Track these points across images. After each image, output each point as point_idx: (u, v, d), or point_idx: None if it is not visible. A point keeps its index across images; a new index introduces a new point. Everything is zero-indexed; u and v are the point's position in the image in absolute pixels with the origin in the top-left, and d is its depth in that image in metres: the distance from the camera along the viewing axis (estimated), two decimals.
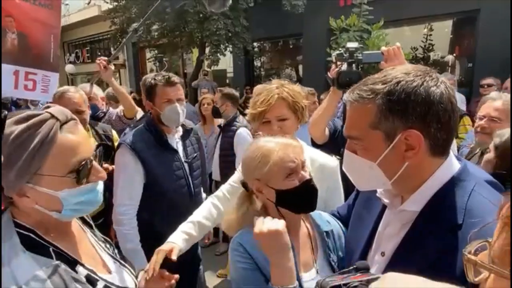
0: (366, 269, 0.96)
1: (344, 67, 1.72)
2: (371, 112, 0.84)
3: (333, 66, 1.84)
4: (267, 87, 1.58)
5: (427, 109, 0.80)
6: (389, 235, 0.95)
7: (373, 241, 1.00)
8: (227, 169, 3.19)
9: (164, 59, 12.82)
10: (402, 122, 0.81)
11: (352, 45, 1.73)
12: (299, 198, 1.14)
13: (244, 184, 1.25)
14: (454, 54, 9.41)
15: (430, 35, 9.54)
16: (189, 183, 2.14)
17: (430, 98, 0.80)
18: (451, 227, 0.79)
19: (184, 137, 2.20)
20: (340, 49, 1.75)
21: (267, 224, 1.01)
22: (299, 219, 1.23)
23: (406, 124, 0.81)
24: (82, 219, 1.09)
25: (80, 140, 0.88)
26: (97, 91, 3.28)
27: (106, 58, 2.59)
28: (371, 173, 0.87)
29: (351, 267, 1.04)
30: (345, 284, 0.82)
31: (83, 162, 0.87)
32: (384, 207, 1.00)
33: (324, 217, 1.29)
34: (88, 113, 2.30)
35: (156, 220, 2.02)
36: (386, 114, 0.82)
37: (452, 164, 0.88)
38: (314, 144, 2.11)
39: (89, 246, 1.04)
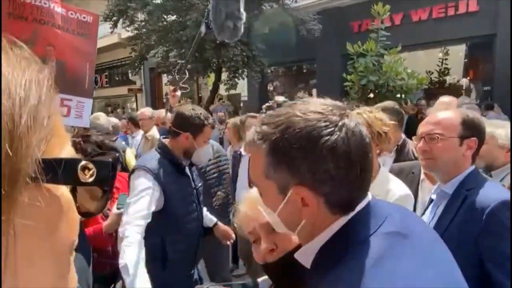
0: None
1: None
2: (262, 159, 0.72)
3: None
4: None
5: (315, 164, 0.67)
6: None
7: None
8: None
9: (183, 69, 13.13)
10: (292, 176, 0.69)
11: (279, 98, 1.90)
12: None
13: None
14: (468, 78, 9.41)
15: (446, 59, 9.59)
16: (198, 208, 2.23)
17: (318, 152, 0.66)
18: None
19: (190, 166, 2.30)
20: (270, 102, 1.94)
21: None
22: None
23: (296, 179, 0.69)
24: None
25: None
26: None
27: (173, 87, 2.92)
28: (274, 220, 0.78)
29: None
30: None
31: None
32: None
33: None
34: None
35: (167, 243, 2.06)
36: (274, 165, 0.70)
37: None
38: None
39: None
